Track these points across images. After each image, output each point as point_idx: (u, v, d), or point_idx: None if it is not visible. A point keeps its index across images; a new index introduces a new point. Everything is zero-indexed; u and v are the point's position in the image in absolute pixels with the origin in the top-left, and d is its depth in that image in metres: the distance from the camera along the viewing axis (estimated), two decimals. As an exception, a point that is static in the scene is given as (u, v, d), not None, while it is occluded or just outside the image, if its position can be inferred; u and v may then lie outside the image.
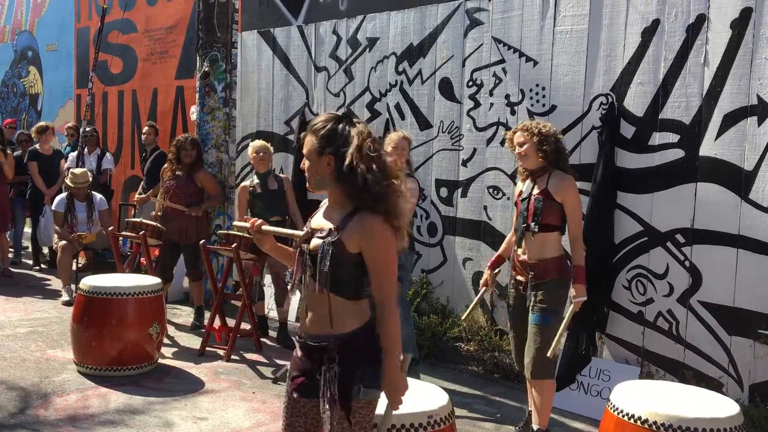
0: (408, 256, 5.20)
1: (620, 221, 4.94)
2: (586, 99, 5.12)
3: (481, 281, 4.37)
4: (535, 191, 4.03)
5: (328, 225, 2.45)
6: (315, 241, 2.45)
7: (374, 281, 2.43)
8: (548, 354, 3.86)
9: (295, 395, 2.57)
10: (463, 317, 4.61)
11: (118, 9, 9.53)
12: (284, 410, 2.62)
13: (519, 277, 4.10)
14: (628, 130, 4.91)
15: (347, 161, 2.36)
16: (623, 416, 3.11)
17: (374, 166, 2.38)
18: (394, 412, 2.60)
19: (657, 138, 4.78)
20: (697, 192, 4.60)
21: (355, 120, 2.46)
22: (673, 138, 4.71)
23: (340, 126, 2.41)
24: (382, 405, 2.52)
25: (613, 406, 3.21)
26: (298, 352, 2.60)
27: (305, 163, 2.49)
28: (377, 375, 2.46)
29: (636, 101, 4.88)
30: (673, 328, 4.71)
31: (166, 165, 6.59)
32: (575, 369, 4.91)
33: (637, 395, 3.21)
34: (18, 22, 12.37)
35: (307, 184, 2.53)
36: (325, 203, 2.59)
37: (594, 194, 4.95)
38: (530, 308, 4.00)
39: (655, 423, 2.99)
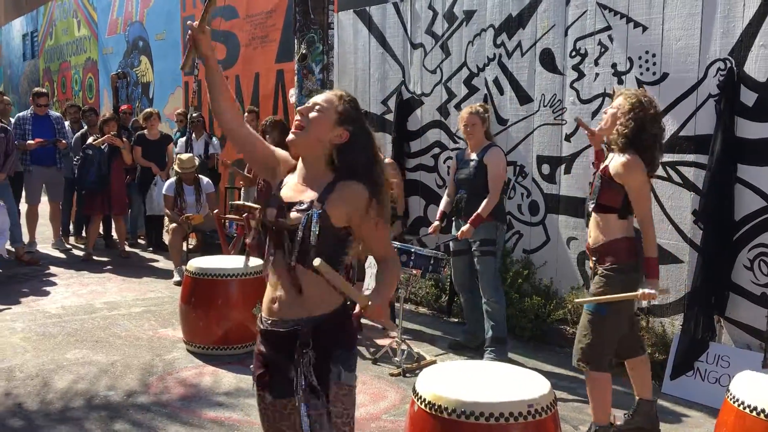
0: (501, 231, 5.11)
1: (741, 196, 4.56)
2: (701, 65, 4.75)
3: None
4: (603, 166, 3.75)
5: (307, 197, 2.22)
6: (294, 214, 2.20)
7: (380, 244, 2.33)
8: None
9: (268, 398, 2.29)
10: None
11: (221, -3, 9.75)
12: (262, 417, 2.35)
13: (590, 261, 3.89)
14: (749, 98, 4.52)
15: (367, 152, 2.26)
16: (744, 408, 2.87)
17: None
18: (484, 399, 2.55)
19: (783, 105, 4.38)
20: (830, 163, 4.19)
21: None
22: (802, 104, 4.30)
23: (361, 110, 2.33)
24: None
25: (733, 396, 2.96)
26: (261, 345, 2.31)
27: (309, 114, 2.25)
28: (354, 358, 2.29)
29: (758, 65, 4.47)
30: (802, 312, 4.33)
31: None
32: (693, 355, 4.60)
33: (761, 385, 2.95)
34: (129, 14, 12.91)
35: (293, 135, 2.27)
36: (287, 175, 2.35)
37: (711, 167, 4.59)
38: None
39: (781, 417, 2.74)
